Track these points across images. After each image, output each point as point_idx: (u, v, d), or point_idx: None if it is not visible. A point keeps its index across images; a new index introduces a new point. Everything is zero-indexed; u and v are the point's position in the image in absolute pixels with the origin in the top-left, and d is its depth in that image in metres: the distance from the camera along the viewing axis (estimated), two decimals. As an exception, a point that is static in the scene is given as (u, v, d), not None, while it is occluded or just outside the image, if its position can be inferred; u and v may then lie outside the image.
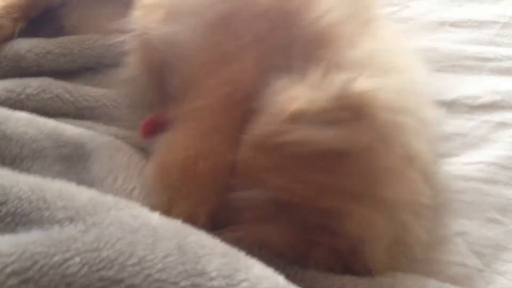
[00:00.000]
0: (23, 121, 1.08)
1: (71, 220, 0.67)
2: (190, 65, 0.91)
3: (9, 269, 0.59)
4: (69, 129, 1.10)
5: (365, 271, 0.81)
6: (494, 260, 0.93)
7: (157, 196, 0.84)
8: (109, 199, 0.75)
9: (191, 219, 0.78)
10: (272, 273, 0.67)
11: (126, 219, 0.68)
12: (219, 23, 0.90)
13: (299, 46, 0.88)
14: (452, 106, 1.23)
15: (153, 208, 0.78)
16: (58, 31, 1.44)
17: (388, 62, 0.91)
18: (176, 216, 0.76)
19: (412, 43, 1.31)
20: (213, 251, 0.66)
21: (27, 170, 0.97)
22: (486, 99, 1.27)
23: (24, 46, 1.34)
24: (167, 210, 0.80)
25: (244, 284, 0.62)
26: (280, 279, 0.66)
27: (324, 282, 0.80)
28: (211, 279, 0.62)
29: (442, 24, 1.49)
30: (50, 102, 1.23)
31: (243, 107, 0.87)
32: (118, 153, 1.00)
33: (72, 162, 1.03)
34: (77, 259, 0.61)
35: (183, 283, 0.61)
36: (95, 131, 1.11)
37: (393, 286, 0.80)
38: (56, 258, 0.60)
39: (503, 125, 1.22)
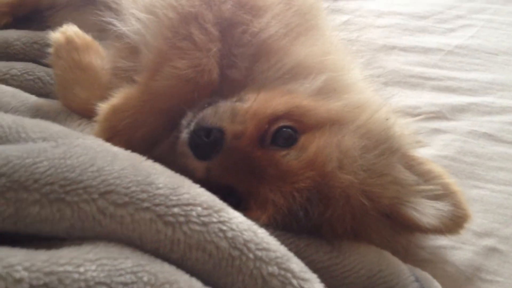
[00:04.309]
0: (7, 93, 1.19)
1: (44, 139, 0.79)
2: (162, 45, 1.03)
3: (-15, 166, 0.70)
4: (47, 104, 1.21)
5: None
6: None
7: (99, 131, 0.97)
8: (79, 133, 0.87)
9: None
10: (211, 194, 0.78)
11: (91, 144, 0.80)
12: (192, 19, 1.02)
13: (245, 55, 1.04)
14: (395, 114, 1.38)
15: None
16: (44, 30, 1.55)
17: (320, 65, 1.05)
18: None
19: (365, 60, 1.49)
20: (162, 173, 0.78)
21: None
22: (424, 109, 1.43)
23: (13, 35, 1.46)
24: None
25: (186, 196, 0.74)
26: (218, 199, 0.77)
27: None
28: (158, 188, 0.73)
29: (393, 48, 1.66)
30: (32, 83, 1.34)
31: (204, 91, 0.99)
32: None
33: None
34: (45, 163, 0.72)
35: (133, 188, 0.72)
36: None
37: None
38: (27, 160, 0.71)
39: (437, 131, 1.38)
